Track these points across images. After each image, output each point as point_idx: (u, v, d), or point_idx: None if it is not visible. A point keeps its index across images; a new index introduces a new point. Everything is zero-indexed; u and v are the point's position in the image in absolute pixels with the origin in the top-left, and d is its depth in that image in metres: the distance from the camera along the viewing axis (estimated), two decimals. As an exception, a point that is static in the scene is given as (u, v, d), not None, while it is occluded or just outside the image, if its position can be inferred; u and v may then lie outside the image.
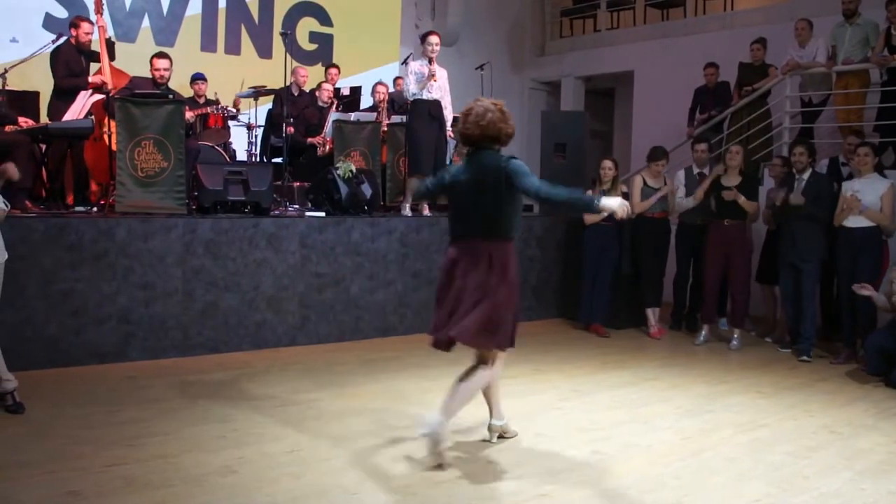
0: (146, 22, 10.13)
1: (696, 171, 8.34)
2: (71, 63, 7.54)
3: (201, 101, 8.95)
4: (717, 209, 7.83)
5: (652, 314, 8.31)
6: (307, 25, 11.49)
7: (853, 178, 7.36)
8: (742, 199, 7.61)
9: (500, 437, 4.81)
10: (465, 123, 4.46)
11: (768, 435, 5.10)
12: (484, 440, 4.79)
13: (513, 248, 4.48)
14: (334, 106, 9.69)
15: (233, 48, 10.86)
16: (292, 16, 11.31)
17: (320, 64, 11.05)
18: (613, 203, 4.28)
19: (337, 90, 10.14)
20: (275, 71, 9.68)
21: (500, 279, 4.34)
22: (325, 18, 11.72)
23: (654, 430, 5.13)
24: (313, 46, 11.60)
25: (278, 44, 10.68)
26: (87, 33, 7.63)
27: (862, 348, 7.06)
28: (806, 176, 7.32)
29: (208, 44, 10.64)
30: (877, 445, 4.95)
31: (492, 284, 4.32)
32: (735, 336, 7.87)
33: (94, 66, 7.84)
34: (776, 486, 4.20)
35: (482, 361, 4.57)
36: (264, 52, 11.10)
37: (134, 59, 8.67)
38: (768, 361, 7.26)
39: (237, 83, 9.29)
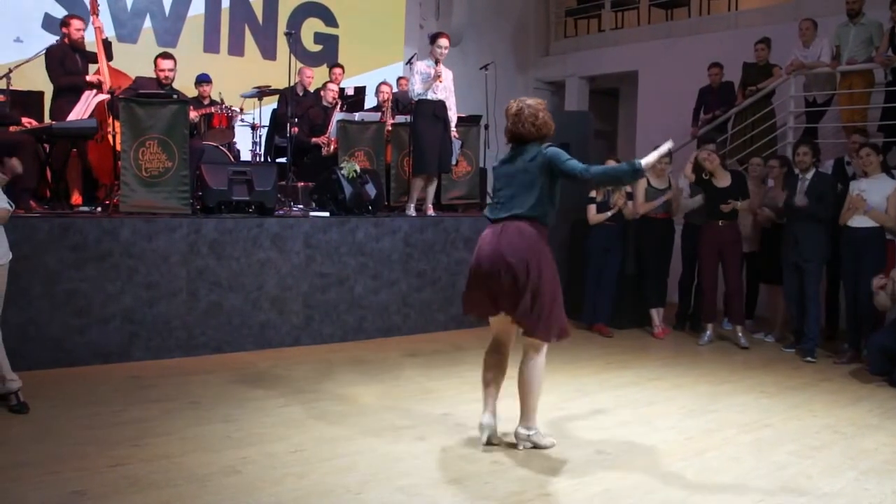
0: (148, 22, 10.09)
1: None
2: (65, 61, 7.53)
3: (206, 101, 8.95)
4: (710, 210, 7.84)
5: (656, 314, 8.31)
6: (312, 26, 11.46)
7: (857, 177, 7.36)
8: (739, 205, 7.63)
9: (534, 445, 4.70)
10: (518, 124, 4.57)
11: (772, 435, 5.10)
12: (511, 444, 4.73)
13: (547, 234, 4.59)
14: (338, 106, 9.70)
15: (236, 49, 10.81)
16: (297, 16, 11.29)
17: (325, 65, 11.04)
18: (652, 158, 4.52)
19: (341, 90, 10.14)
20: (279, 72, 9.69)
21: (540, 269, 4.51)
22: (330, 19, 11.68)
23: (658, 430, 5.14)
24: (318, 48, 11.58)
25: (283, 45, 10.67)
26: (79, 30, 7.61)
27: (865, 348, 7.07)
28: (809, 175, 7.32)
29: (211, 45, 10.60)
30: (881, 445, 4.95)
31: (536, 276, 4.48)
32: (740, 334, 7.91)
33: (92, 68, 7.84)
34: (780, 486, 4.20)
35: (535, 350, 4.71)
36: (268, 53, 11.07)
37: (136, 60, 8.67)
38: (772, 361, 7.26)
39: (241, 84, 9.30)
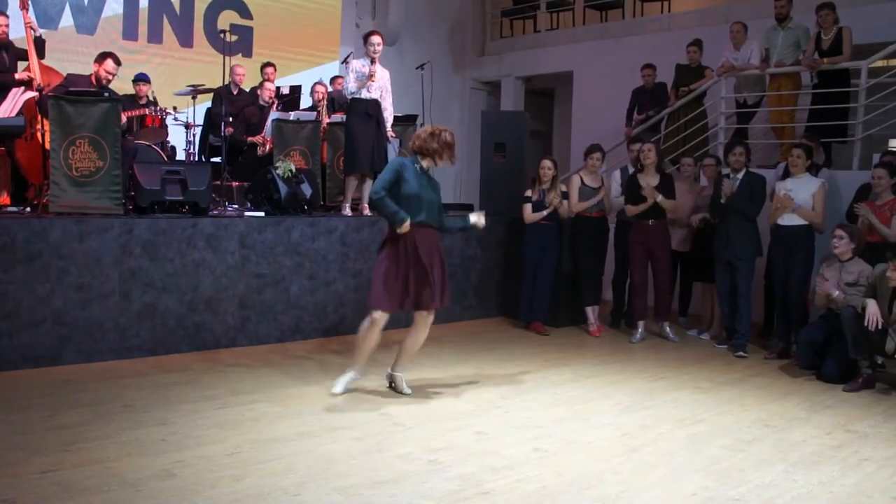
0: (67, 10, 9.95)
1: (631, 170, 8.45)
2: None
3: (142, 101, 8.79)
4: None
5: (591, 312, 8.39)
6: (227, 18, 11.42)
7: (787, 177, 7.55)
8: (660, 198, 7.76)
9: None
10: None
11: (705, 429, 5.20)
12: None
13: None
14: (275, 105, 9.62)
15: (155, 37, 10.79)
16: (213, 9, 11.26)
17: (241, 55, 11.02)
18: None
19: (276, 89, 10.07)
20: (198, 59, 10.22)
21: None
22: (244, 12, 11.66)
23: (595, 426, 5.19)
24: (233, 38, 11.56)
25: (199, 33, 10.94)
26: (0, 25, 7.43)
27: (795, 343, 7.25)
28: (741, 175, 7.48)
29: (130, 32, 10.53)
30: (809, 438, 5.08)
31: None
32: (668, 329, 8.10)
33: (21, 66, 7.65)
34: (713, 480, 4.28)
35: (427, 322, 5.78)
36: (185, 41, 11.03)
37: (56, 51, 8.53)
38: (705, 357, 7.39)
39: (161, 73, 9.33)
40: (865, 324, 6.07)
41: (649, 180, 7.86)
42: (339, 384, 5.74)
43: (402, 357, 5.88)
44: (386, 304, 5.54)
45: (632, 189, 7.97)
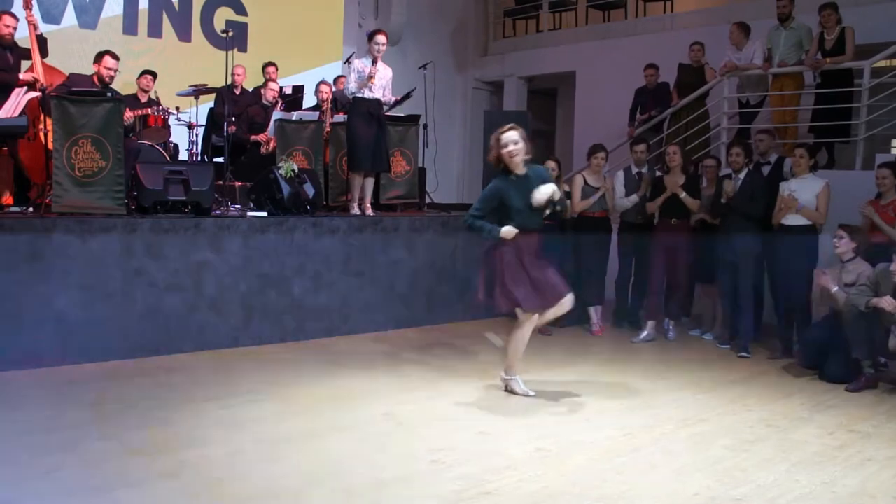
0: (69, 9, 9.97)
1: (634, 170, 8.44)
2: None
3: (145, 98, 8.80)
4: (664, 209, 7.95)
5: (594, 312, 8.38)
6: (223, 14, 11.43)
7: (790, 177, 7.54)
8: (684, 195, 7.76)
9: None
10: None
11: (708, 429, 5.19)
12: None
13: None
14: (279, 105, 9.63)
15: (155, 32, 10.84)
16: (210, 5, 11.31)
17: (236, 49, 11.02)
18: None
19: (279, 89, 10.07)
20: (196, 54, 10.45)
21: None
22: (240, 8, 11.69)
23: (598, 426, 5.19)
24: (230, 34, 11.59)
25: (197, 28, 11.00)
26: (8, 26, 7.43)
27: (797, 343, 7.24)
28: (742, 175, 7.47)
29: (130, 27, 10.58)
30: (812, 438, 5.07)
31: None
32: (671, 328, 8.14)
33: (24, 64, 7.66)
34: (716, 480, 4.27)
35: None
36: (184, 36, 11.09)
37: (58, 51, 8.55)
38: (708, 357, 7.38)
39: (160, 67, 9.52)
40: (878, 305, 6.06)
41: (676, 180, 7.88)
42: (525, 387, 5.89)
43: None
44: (537, 303, 5.84)
45: (656, 188, 8.01)
